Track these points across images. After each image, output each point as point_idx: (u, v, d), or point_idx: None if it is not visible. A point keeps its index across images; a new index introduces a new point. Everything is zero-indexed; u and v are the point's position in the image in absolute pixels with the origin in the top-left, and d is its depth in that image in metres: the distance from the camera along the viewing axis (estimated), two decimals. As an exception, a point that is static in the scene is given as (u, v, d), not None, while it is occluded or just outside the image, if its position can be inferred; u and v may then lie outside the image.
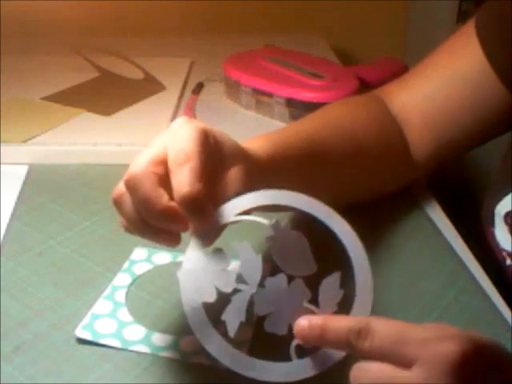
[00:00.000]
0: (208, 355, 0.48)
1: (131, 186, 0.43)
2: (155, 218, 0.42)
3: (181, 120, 0.46)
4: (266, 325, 0.41)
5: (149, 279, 0.57)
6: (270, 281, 0.41)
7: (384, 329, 0.37)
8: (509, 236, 0.57)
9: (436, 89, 0.65)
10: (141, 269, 0.58)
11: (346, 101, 0.70)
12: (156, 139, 0.46)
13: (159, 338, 0.51)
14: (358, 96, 0.72)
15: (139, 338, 0.51)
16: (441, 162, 0.68)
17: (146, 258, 0.60)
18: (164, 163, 0.43)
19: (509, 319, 0.53)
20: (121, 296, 0.55)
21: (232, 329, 0.41)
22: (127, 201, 0.44)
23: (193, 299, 0.41)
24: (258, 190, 0.48)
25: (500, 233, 0.58)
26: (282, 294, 0.40)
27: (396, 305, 0.55)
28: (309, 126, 0.62)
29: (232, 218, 0.43)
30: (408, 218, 0.67)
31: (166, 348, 0.50)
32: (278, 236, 0.42)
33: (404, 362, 0.35)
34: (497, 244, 0.59)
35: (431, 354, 0.35)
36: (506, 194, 0.57)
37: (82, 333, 0.51)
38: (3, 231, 0.65)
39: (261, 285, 0.41)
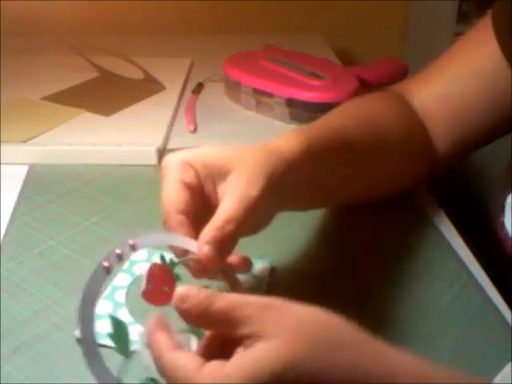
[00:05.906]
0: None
1: None
2: None
3: (162, 167, 0.49)
4: None
5: (149, 279, 0.57)
6: None
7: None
8: None
9: (452, 86, 0.66)
10: (141, 269, 0.58)
11: (365, 97, 0.70)
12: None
13: (159, 338, 0.50)
14: (375, 93, 0.71)
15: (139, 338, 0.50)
16: (459, 156, 0.70)
17: (146, 258, 0.60)
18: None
19: (509, 319, 0.53)
20: (121, 296, 0.55)
21: None
22: None
23: None
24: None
25: (509, 222, 0.59)
26: None
27: (395, 305, 0.55)
28: (337, 120, 0.62)
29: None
30: (408, 218, 0.67)
31: (166, 348, 0.50)
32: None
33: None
34: (506, 234, 0.59)
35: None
36: None
37: (82, 333, 0.50)
38: (3, 231, 0.65)
39: None
